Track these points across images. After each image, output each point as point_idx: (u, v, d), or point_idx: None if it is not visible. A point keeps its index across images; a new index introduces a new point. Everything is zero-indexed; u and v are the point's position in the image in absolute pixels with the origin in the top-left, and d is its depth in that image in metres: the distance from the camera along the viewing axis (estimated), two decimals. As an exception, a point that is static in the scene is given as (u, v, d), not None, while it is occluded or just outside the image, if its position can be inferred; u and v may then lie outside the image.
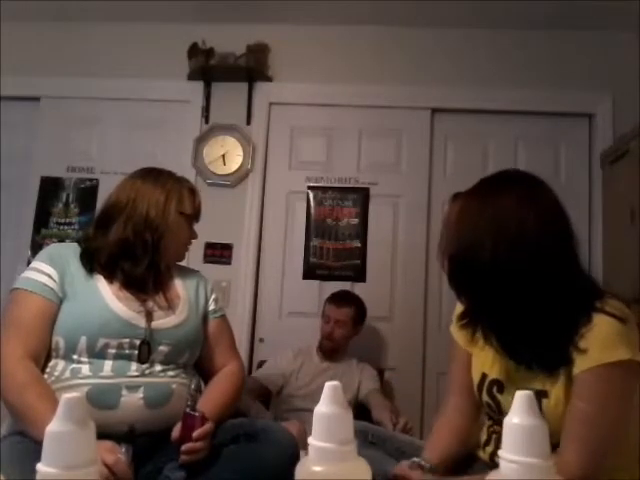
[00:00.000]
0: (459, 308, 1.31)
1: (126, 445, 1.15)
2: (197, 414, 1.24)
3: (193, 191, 1.55)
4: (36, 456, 0.53)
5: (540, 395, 1.09)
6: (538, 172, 1.19)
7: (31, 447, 1.10)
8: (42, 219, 2.96)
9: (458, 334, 1.31)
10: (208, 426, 1.24)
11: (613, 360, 1.01)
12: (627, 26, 2.74)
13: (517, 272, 1.05)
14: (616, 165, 2.63)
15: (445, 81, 2.92)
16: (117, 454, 1.10)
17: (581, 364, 1.04)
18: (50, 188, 2.98)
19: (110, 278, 1.38)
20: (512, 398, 1.09)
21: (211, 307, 1.55)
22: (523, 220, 1.06)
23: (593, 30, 2.83)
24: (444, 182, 2.92)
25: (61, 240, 2.84)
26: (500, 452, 0.53)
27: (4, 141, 3.01)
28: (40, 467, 0.51)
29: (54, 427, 0.51)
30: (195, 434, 1.21)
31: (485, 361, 1.23)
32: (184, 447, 1.21)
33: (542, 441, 0.52)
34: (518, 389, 1.10)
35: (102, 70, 3.02)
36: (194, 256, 2.74)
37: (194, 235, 1.56)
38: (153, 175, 1.49)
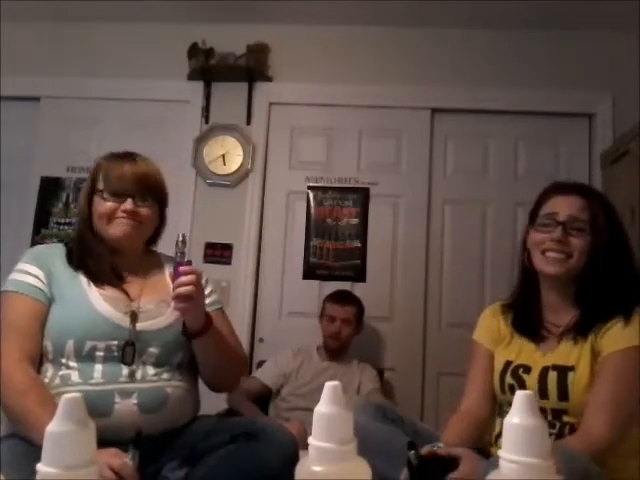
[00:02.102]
0: (490, 312, 1.45)
1: (133, 451, 1.13)
2: (185, 261, 1.30)
3: (109, 164, 1.40)
4: (35, 457, 0.53)
5: (567, 370, 1.22)
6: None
7: (30, 448, 1.10)
8: (42, 219, 2.96)
9: (484, 336, 1.42)
10: (197, 271, 1.30)
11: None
12: (627, 26, 2.74)
13: (623, 258, 1.29)
14: (616, 165, 2.63)
15: (445, 81, 2.92)
16: (123, 458, 1.08)
17: (611, 345, 1.19)
18: (50, 188, 2.98)
19: (88, 277, 1.36)
20: (539, 376, 1.25)
21: (206, 301, 1.48)
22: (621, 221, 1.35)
23: (593, 30, 2.83)
24: (444, 182, 2.93)
25: (61, 240, 2.84)
26: (500, 452, 0.53)
27: (4, 141, 3.01)
28: (40, 467, 0.51)
29: (54, 427, 0.51)
30: (180, 279, 1.26)
31: (510, 352, 1.34)
32: (173, 293, 1.26)
33: (542, 441, 0.52)
34: (545, 367, 1.25)
35: (102, 70, 3.02)
36: (194, 256, 2.74)
37: (117, 208, 1.37)
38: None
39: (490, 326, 1.42)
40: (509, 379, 1.30)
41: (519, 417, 0.53)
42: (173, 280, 1.29)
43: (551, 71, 2.88)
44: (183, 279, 1.27)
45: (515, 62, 2.90)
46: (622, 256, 1.29)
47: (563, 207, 1.29)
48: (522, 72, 2.88)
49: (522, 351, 1.32)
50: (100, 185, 1.39)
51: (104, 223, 1.38)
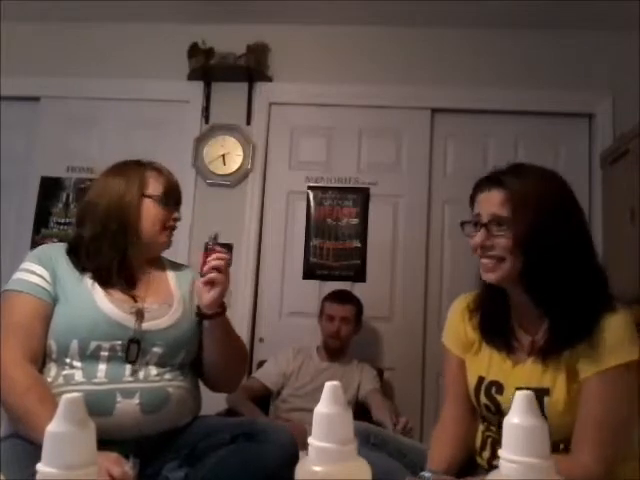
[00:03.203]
0: (458, 311, 1.33)
1: (134, 459, 1.13)
2: (215, 246, 1.37)
3: (160, 172, 1.47)
4: (36, 457, 0.52)
5: (542, 392, 1.10)
6: None
7: (31, 448, 1.10)
8: (42, 219, 2.96)
9: (451, 342, 1.32)
10: (224, 255, 1.36)
11: (626, 361, 1.05)
12: (627, 26, 2.74)
13: (573, 253, 1.12)
14: (616, 165, 2.63)
15: (445, 81, 2.92)
16: (124, 466, 1.08)
17: (590, 367, 1.07)
18: (50, 188, 2.98)
19: (95, 278, 1.35)
20: (512, 397, 1.11)
21: None
22: (576, 209, 1.20)
23: (593, 30, 2.83)
24: (444, 182, 2.93)
25: (61, 240, 2.84)
26: (500, 452, 0.53)
27: (4, 141, 3.01)
28: (40, 467, 0.51)
29: (54, 427, 0.51)
30: (217, 254, 1.34)
31: (481, 365, 1.24)
32: (203, 279, 1.33)
33: (542, 441, 0.52)
34: (518, 388, 1.13)
35: (102, 70, 3.02)
36: (194, 256, 2.74)
37: (170, 216, 1.46)
38: (118, 167, 1.47)
39: (457, 331, 1.30)
40: (483, 399, 1.21)
41: (519, 417, 0.53)
42: (203, 262, 1.35)
43: (551, 71, 2.87)
44: (219, 255, 1.35)
45: (515, 62, 2.89)
46: (574, 250, 1.11)
47: (484, 206, 1.17)
48: (522, 72, 2.88)
49: (492, 363, 1.21)
50: (155, 191, 1.43)
51: (157, 230, 1.43)
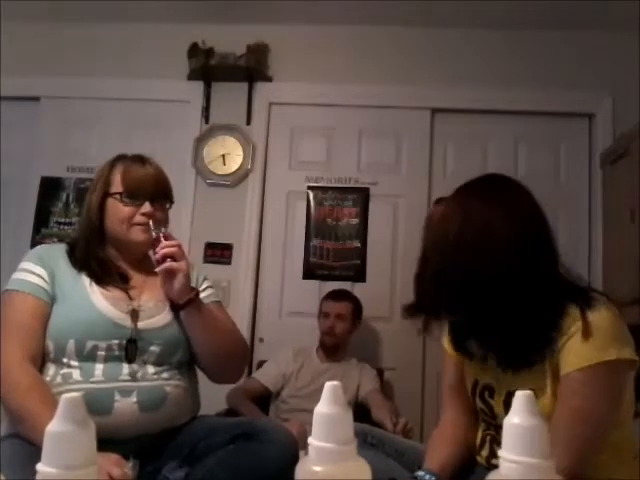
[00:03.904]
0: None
1: (134, 460, 1.13)
2: (160, 233, 1.34)
3: (125, 168, 1.41)
4: (36, 457, 0.52)
5: None
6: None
7: (31, 448, 1.10)
8: (42, 219, 2.96)
9: (449, 343, 1.32)
10: (173, 241, 1.33)
11: (603, 360, 1.02)
12: (627, 26, 2.74)
13: (494, 276, 1.08)
14: (616, 165, 2.63)
15: (445, 81, 2.92)
16: (124, 468, 1.08)
17: (570, 363, 1.05)
18: (50, 188, 2.98)
19: (91, 277, 1.36)
20: (502, 401, 1.13)
21: (202, 294, 1.47)
22: (500, 226, 1.10)
23: (593, 30, 2.83)
24: (444, 182, 2.92)
25: (61, 240, 2.84)
26: (500, 452, 0.53)
27: (4, 141, 3.01)
28: (40, 467, 0.51)
29: (54, 427, 0.51)
30: (165, 242, 1.32)
31: (476, 368, 1.24)
32: (160, 270, 1.31)
33: (542, 441, 0.52)
34: (508, 392, 1.12)
35: (102, 70, 3.02)
36: (194, 256, 2.74)
37: (136, 212, 1.38)
38: (102, 165, 1.47)
39: None
40: (479, 402, 1.21)
41: (519, 417, 0.53)
42: (154, 249, 1.33)
43: (551, 71, 2.88)
44: (167, 242, 1.32)
45: (515, 62, 2.90)
46: (499, 265, 1.08)
47: None
48: (522, 72, 2.88)
49: (486, 366, 1.20)
50: (116, 188, 1.39)
51: (124, 228, 1.39)
